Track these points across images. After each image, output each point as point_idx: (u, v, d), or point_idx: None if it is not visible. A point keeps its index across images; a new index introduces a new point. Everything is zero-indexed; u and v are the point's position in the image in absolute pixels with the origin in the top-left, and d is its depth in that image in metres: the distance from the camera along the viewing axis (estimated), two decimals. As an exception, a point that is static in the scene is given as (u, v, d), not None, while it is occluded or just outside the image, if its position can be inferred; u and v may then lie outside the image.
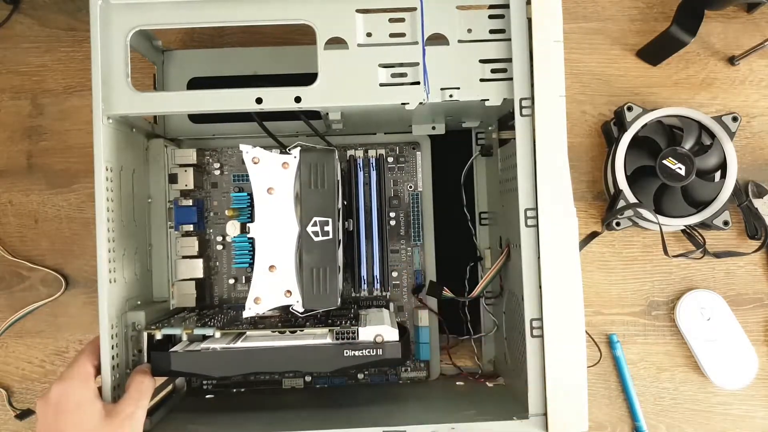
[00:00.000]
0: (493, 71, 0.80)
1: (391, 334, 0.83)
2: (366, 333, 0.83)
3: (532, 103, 0.78)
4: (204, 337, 0.85)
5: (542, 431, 0.79)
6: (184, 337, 0.85)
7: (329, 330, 0.84)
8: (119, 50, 0.79)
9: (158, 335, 0.84)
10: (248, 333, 0.85)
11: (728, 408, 1.10)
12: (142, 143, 0.95)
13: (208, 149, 1.02)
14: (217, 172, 1.01)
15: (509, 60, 0.79)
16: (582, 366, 0.78)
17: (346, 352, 0.82)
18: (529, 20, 0.78)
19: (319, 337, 0.83)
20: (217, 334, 0.84)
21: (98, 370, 0.79)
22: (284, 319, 0.90)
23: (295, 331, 0.85)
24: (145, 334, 0.84)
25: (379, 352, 0.82)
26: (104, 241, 0.79)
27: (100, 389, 0.79)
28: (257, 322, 0.88)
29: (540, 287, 0.78)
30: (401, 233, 1.02)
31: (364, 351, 0.82)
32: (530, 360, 0.79)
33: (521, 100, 0.78)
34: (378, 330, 0.83)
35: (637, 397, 1.09)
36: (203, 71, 1.02)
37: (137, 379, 0.79)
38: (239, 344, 0.82)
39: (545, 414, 0.79)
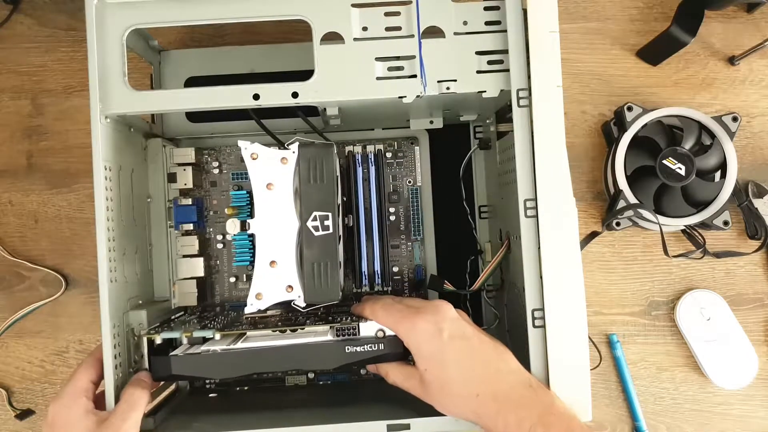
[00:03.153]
0: (489, 63, 0.80)
1: None
2: (367, 328, 0.82)
3: (530, 94, 0.78)
4: (204, 340, 0.84)
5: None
6: (184, 340, 0.84)
7: (330, 327, 0.83)
8: (115, 50, 0.80)
9: (158, 339, 0.83)
10: (249, 333, 0.84)
11: (728, 408, 1.09)
12: (141, 143, 0.95)
13: (206, 148, 1.02)
14: (216, 171, 1.01)
15: (505, 51, 0.79)
16: (584, 353, 0.78)
17: (348, 349, 0.81)
18: (525, 11, 0.79)
19: (320, 334, 0.82)
20: (218, 336, 0.83)
21: (96, 383, 0.79)
22: (284, 318, 0.89)
23: (296, 330, 0.84)
24: (144, 339, 0.84)
25: (381, 347, 0.82)
26: (104, 241, 0.79)
27: (102, 395, 0.79)
28: (257, 322, 0.88)
29: (541, 277, 0.78)
30: (401, 228, 1.02)
31: (365, 346, 0.81)
32: (533, 351, 0.79)
33: (518, 91, 0.78)
34: (379, 325, 0.83)
35: (637, 397, 1.08)
36: (200, 70, 1.02)
37: (128, 391, 0.79)
38: (240, 345, 0.81)
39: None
